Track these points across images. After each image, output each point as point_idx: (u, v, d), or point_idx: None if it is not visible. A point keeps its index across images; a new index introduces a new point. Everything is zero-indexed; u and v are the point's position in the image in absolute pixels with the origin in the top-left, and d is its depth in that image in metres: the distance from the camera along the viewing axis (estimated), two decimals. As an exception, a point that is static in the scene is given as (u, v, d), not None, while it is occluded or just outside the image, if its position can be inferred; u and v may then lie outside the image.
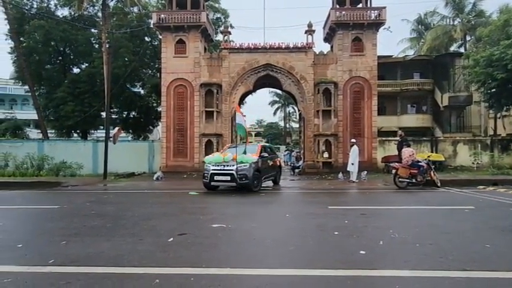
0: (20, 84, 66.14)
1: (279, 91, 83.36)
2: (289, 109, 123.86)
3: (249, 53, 46.49)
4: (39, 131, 64.99)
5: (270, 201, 23.55)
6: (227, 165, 27.89)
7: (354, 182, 34.23)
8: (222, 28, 52.57)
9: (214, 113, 46.05)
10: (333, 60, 46.09)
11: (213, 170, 28.05)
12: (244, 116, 30.88)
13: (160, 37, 49.70)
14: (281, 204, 22.17)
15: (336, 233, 14.38)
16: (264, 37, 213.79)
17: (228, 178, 27.63)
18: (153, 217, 17.77)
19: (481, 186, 29.96)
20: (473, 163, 45.17)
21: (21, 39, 59.11)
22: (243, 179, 27.39)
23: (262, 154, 29.76)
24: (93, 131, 69.24)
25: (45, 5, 61.35)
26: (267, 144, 32.21)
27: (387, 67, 66.18)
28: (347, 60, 45.81)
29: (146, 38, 62.33)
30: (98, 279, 10.31)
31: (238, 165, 27.65)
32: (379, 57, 49.90)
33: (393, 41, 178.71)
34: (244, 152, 28.71)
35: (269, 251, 12.29)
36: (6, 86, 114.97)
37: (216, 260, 11.46)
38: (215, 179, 27.92)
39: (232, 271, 10.65)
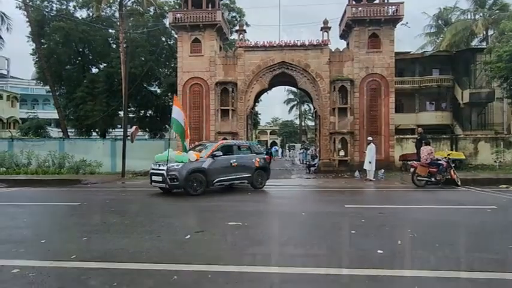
0: (41, 84, 67.19)
1: (294, 89, 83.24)
2: (305, 107, 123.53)
3: (264, 51, 46.47)
4: (60, 129, 65.68)
5: (285, 199, 23.57)
6: (162, 165, 25.62)
7: (371, 180, 34.10)
8: (237, 27, 52.58)
9: (230, 112, 46.01)
10: (349, 57, 45.97)
11: (151, 169, 26.15)
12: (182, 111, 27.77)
13: (176, 36, 49.80)
14: (297, 203, 22.18)
15: (353, 232, 14.36)
16: (279, 35, 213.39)
17: (160, 179, 25.26)
18: (170, 215, 17.88)
19: (504, 185, 29.25)
20: (495, 161, 44.51)
21: (42, 41, 59.96)
22: (174, 181, 24.68)
23: (215, 153, 26.47)
24: (111, 130, 69.77)
25: (65, 7, 61.99)
26: (240, 142, 29.20)
27: (405, 63, 65.86)
28: (364, 57, 45.64)
29: (162, 38, 62.56)
30: (118, 274, 10.49)
31: (170, 165, 25.13)
32: (397, 53, 49.74)
33: (411, 35, 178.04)
34: (185, 150, 27.18)
35: (285, 249, 12.32)
36: (29, 87, 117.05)
37: (232, 258, 11.54)
38: (153, 179, 25.82)
39: (248, 268, 10.70)
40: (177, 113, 26.37)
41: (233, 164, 27.10)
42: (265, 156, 29.77)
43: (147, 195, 24.70)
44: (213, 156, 26.25)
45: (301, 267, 10.82)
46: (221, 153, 26.65)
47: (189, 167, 25.02)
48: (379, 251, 12.05)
